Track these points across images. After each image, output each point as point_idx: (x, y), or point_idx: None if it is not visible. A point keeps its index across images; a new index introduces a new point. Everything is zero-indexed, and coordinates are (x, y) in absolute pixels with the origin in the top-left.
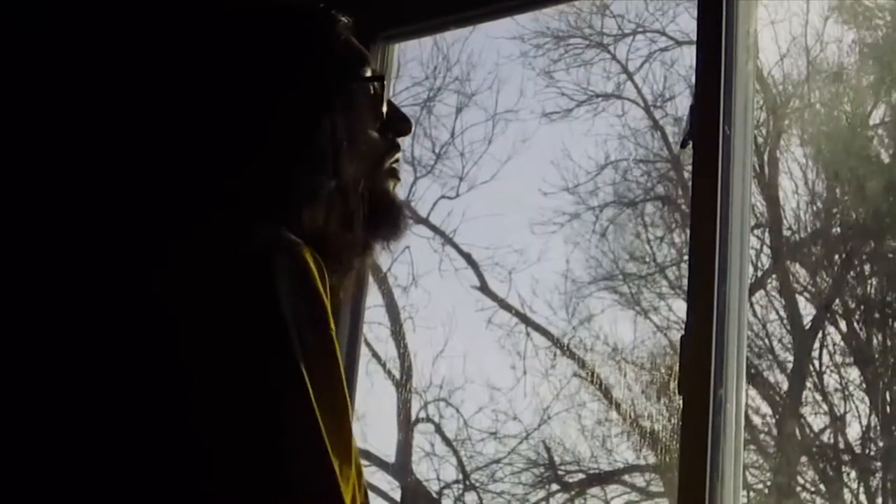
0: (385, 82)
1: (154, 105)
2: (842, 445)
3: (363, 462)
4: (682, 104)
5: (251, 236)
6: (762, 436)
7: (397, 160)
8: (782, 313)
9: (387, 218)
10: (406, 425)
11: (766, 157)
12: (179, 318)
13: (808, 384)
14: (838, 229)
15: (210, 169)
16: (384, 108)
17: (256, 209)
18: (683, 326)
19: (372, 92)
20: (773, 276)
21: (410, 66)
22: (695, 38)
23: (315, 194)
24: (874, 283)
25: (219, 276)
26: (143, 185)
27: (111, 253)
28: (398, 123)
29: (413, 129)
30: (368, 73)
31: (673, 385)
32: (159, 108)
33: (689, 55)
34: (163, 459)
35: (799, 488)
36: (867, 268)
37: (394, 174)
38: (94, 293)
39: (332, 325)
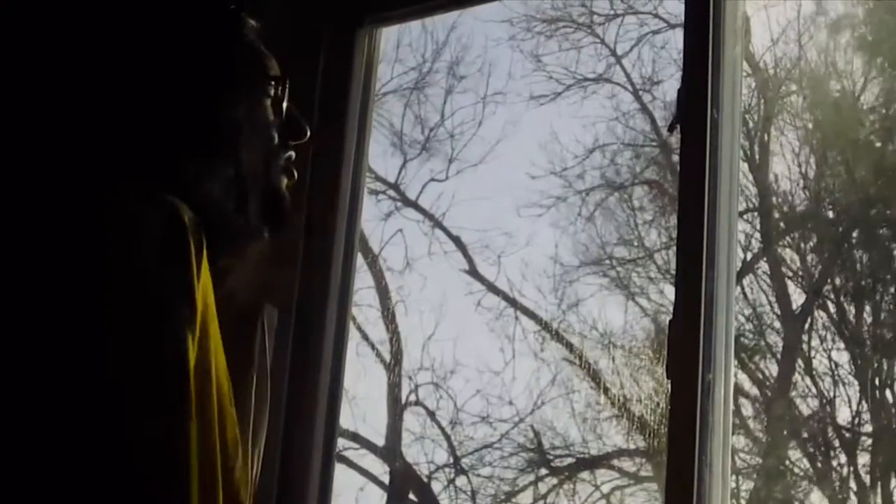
0: (286, 86)
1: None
2: (831, 429)
3: (353, 445)
4: (672, 87)
5: (129, 196)
6: (751, 420)
7: (290, 159)
8: (772, 297)
9: (274, 212)
10: (396, 408)
11: (756, 142)
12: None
13: (798, 367)
14: (828, 214)
15: (111, 141)
16: (283, 111)
17: (154, 181)
18: (672, 310)
19: (273, 93)
20: (763, 259)
21: (402, 49)
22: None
23: (213, 175)
24: (863, 267)
25: (80, 234)
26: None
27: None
28: (294, 128)
29: (308, 135)
30: (273, 73)
31: (661, 369)
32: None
33: (680, 38)
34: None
35: (788, 472)
36: (856, 252)
37: (287, 172)
38: None
39: (196, 297)
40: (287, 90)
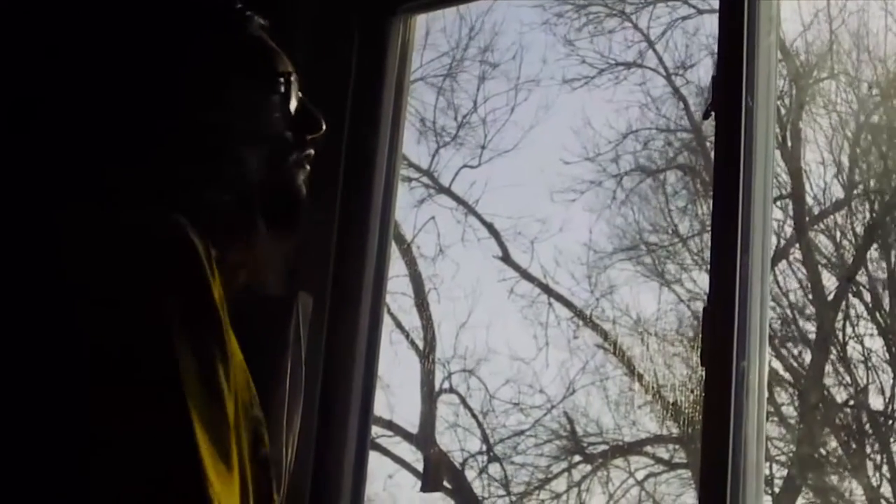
0: (294, 80)
1: (58, 87)
2: (865, 417)
3: (387, 432)
4: (705, 72)
5: (130, 222)
6: (785, 407)
7: (307, 156)
8: (805, 284)
9: (284, 210)
10: (430, 396)
11: (789, 129)
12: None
13: (832, 355)
14: (862, 200)
15: (105, 153)
16: (294, 106)
17: (151, 192)
18: (706, 298)
19: (282, 89)
20: (797, 246)
21: (434, 36)
22: (716, 6)
23: (213, 179)
24: None
25: (94, 265)
26: (40, 168)
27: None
28: (308, 122)
29: (323, 129)
30: (278, 70)
31: (695, 356)
32: (64, 91)
33: (710, 23)
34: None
35: (822, 460)
36: (891, 238)
37: (300, 166)
38: None
39: (218, 313)
40: (296, 85)
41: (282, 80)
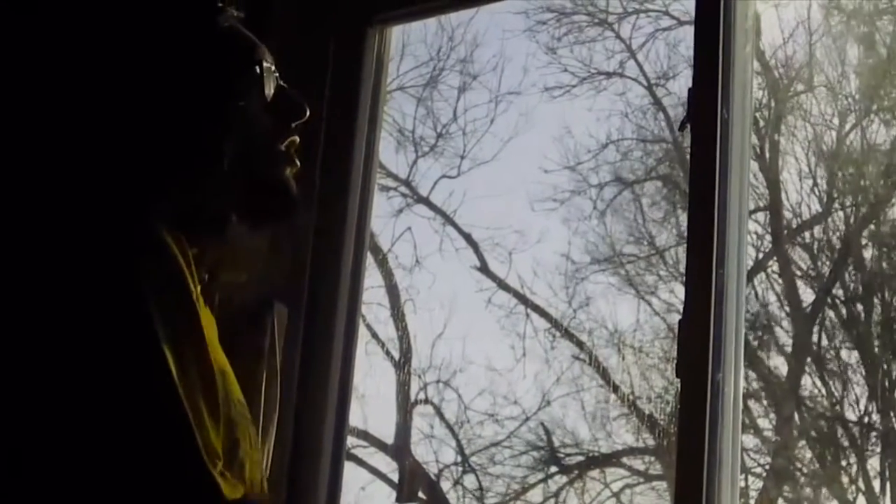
0: (272, 68)
1: (33, 88)
2: (840, 429)
3: (362, 443)
4: (685, 84)
5: (110, 227)
6: (760, 419)
7: (292, 144)
8: (782, 296)
9: (271, 201)
10: (405, 407)
11: (767, 141)
12: (41, 312)
13: (807, 367)
14: (839, 213)
15: (82, 150)
16: (272, 93)
17: (131, 188)
18: (682, 309)
19: (259, 78)
20: (774, 258)
21: (415, 46)
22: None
23: (195, 174)
24: (873, 267)
25: (78, 269)
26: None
27: None
28: (290, 109)
29: (307, 114)
30: (255, 60)
31: (671, 368)
32: (38, 92)
33: (691, 35)
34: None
35: (797, 472)
36: (866, 252)
37: (287, 158)
38: None
39: (196, 307)
40: (271, 72)
41: (256, 69)
